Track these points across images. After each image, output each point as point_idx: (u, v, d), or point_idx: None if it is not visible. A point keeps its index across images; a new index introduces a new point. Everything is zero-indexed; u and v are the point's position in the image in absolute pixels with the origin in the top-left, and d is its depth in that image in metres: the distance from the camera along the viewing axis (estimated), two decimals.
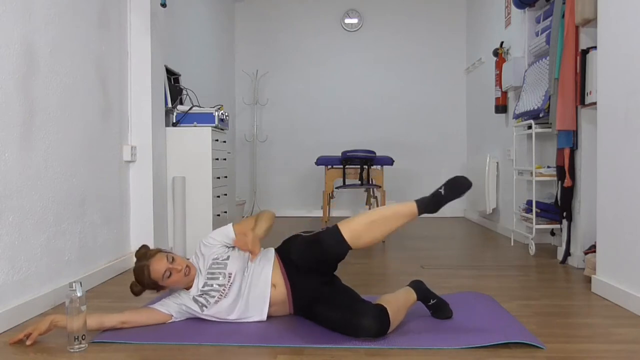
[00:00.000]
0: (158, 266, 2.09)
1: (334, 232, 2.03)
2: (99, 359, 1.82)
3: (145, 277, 2.11)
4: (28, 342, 1.92)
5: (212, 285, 2.13)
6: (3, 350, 1.91)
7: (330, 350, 1.88)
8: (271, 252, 2.25)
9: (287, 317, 2.23)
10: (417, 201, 2.08)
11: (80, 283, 1.89)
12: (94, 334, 2.01)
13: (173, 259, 2.12)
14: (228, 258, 2.17)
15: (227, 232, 2.25)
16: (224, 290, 2.12)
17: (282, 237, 2.33)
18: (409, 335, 1.99)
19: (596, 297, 2.63)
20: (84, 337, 1.89)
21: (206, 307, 2.14)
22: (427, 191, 6.93)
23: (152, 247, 2.35)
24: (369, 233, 2.03)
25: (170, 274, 2.09)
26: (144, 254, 2.17)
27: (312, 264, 2.11)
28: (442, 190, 2.05)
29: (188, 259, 2.24)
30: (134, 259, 2.20)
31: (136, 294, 2.18)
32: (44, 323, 1.95)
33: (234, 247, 2.23)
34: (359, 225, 2.03)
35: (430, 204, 2.06)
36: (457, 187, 2.05)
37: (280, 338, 1.99)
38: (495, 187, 5.18)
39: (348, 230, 2.02)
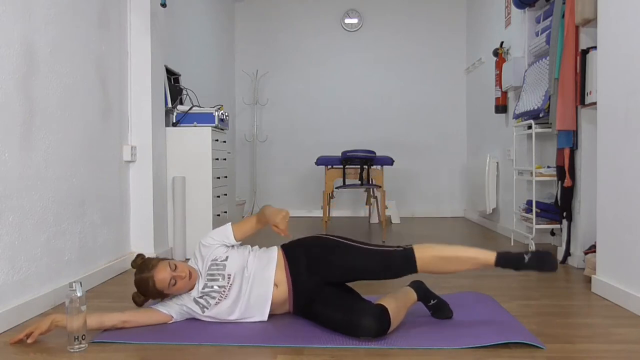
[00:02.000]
0: (162, 275, 2.07)
1: (409, 257, 2.06)
2: (99, 359, 1.82)
3: (150, 288, 2.09)
4: (29, 341, 1.93)
5: (212, 287, 2.13)
6: (3, 350, 1.91)
7: (330, 350, 1.88)
8: (274, 251, 2.24)
9: (287, 317, 2.23)
10: (499, 254, 2.05)
11: (80, 283, 1.89)
12: (94, 333, 2.01)
13: (176, 266, 2.11)
14: (227, 259, 2.16)
15: (226, 232, 2.24)
16: (224, 291, 2.12)
17: (281, 237, 2.33)
18: (409, 335, 1.99)
19: (596, 297, 2.63)
20: (84, 337, 1.89)
21: (207, 308, 2.14)
22: (427, 191, 6.87)
23: (151, 250, 2.33)
24: (438, 267, 2.09)
25: (176, 281, 2.08)
26: (144, 264, 2.14)
27: (358, 275, 2.15)
28: (526, 257, 2.01)
29: (188, 259, 2.23)
30: (134, 270, 2.18)
31: (139, 304, 2.18)
32: (45, 323, 1.95)
33: (232, 246, 2.23)
34: (433, 258, 2.06)
35: (510, 263, 2.03)
36: (543, 263, 2.01)
37: (280, 338, 1.99)
38: (495, 187, 5.18)
39: (421, 260, 2.05)
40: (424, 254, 2.06)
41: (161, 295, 2.15)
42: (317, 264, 2.15)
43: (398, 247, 2.13)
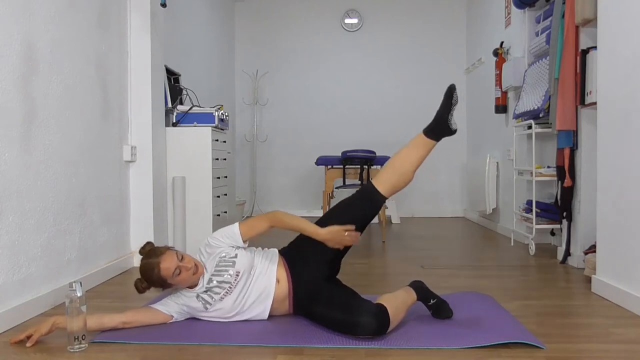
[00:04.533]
0: (169, 264, 2.06)
1: (371, 190, 2.25)
2: (99, 359, 1.82)
3: (155, 274, 2.07)
4: (28, 344, 1.92)
5: (218, 283, 2.13)
6: (3, 350, 1.91)
7: (331, 350, 1.88)
8: (275, 253, 2.27)
9: (287, 317, 2.23)
10: (424, 130, 2.31)
11: (80, 283, 1.89)
12: (94, 333, 2.01)
13: (182, 257, 2.11)
14: (236, 256, 2.16)
15: (234, 233, 2.21)
16: (230, 288, 2.12)
17: (283, 237, 2.33)
18: (409, 335, 1.99)
19: (596, 297, 2.63)
20: (84, 337, 1.89)
21: (210, 304, 2.13)
22: (426, 191, 6.85)
23: (152, 241, 2.31)
24: (396, 180, 2.26)
25: (180, 272, 2.07)
26: (152, 251, 2.14)
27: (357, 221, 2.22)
28: (439, 110, 2.29)
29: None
30: (139, 257, 2.16)
31: (141, 291, 2.14)
32: (46, 325, 1.95)
33: (239, 246, 2.22)
34: (385, 174, 2.27)
35: (435, 128, 2.28)
36: (447, 97, 2.27)
37: (280, 338, 1.99)
38: (495, 187, 5.18)
39: (380, 184, 2.25)
40: (378, 179, 2.27)
41: (163, 285, 2.11)
42: (313, 252, 2.19)
43: (360, 187, 2.30)
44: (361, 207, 2.25)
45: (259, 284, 2.16)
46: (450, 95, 2.26)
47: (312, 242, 2.18)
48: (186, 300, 2.15)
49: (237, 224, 2.23)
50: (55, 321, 1.97)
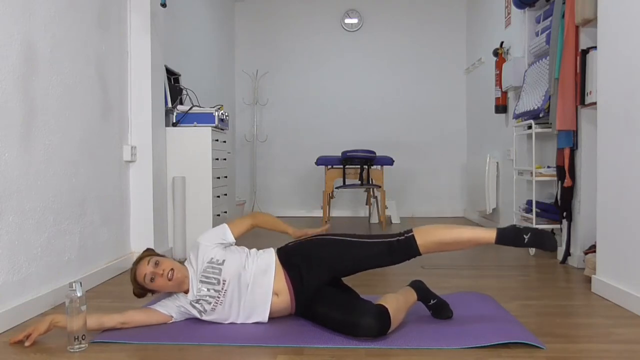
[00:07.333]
0: (140, 270, 2.11)
1: (411, 244, 2.10)
2: (99, 359, 1.82)
3: (132, 280, 2.14)
4: (27, 343, 1.92)
5: (207, 290, 2.11)
6: (3, 350, 1.91)
7: (331, 350, 1.88)
8: (271, 257, 2.20)
9: (287, 317, 2.22)
10: (498, 235, 2.10)
11: (80, 283, 1.89)
12: (94, 333, 2.01)
13: (157, 263, 2.10)
14: (223, 262, 2.13)
15: (224, 232, 2.23)
16: (218, 296, 2.11)
17: (281, 237, 2.33)
18: (409, 335, 1.99)
19: (596, 297, 2.63)
20: (84, 337, 1.89)
21: (204, 312, 2.13)
22: (426, 191, 6.83)
23: (152, 247, 2.33)
24: (440, 249, 2.18)
25: (153, 278, 2.08)
26: (138, 257, 2.19)
27: (364, 265, 2.19)
28: (525, 237, 2.07)
29: (184, 260, 2.23)
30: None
31: (137, 295, 2.18)
32: (44, 323, 1.95)
33: (230, 246, 2.22)
34: (434, 243, 2.13)
35: (510, 242, 2.09)
36: (542, 243, 2.07)
37: (280, 338, 1.99)
38: (495, 187, 5.18)
39: (423, 246, 2.11)
40: (425, 240, 2.12)
41: (144, 289, 2.15)
42: (319, 264, 2.14)
43: (399, 235, 2.15)
44: (384, 257, 2.13)
45: (253, 299, 2.12)
46: (544, 249, 2.10)
47: (320, 246, 2.18)
48: (182, 303, 2.15)
49: (225, 224, 2.27)
50: (54, 319, 1.97)
